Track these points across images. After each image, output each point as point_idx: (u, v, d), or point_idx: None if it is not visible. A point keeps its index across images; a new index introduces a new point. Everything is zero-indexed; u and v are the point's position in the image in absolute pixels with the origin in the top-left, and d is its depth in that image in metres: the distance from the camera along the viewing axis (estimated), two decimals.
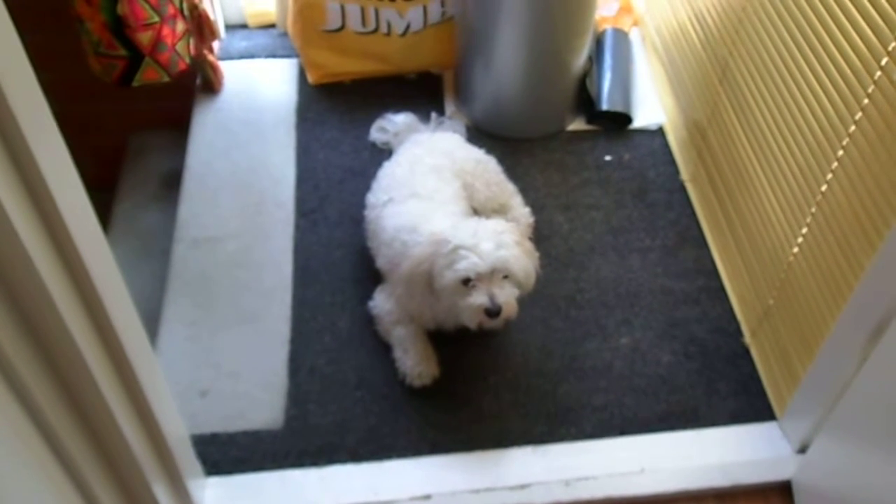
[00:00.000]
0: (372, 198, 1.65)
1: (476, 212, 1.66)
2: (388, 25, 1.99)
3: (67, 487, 0.95)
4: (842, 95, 1.22)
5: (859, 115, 1.18)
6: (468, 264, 1.33)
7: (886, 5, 1.10)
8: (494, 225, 1.40)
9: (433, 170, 1.61)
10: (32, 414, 0.86)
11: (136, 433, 1.07)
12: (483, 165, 1.72)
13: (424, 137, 1.77)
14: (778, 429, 1.48)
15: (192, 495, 1.28)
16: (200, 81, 2.05)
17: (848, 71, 1.20)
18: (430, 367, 1.50)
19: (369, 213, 1.64)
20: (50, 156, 0.79)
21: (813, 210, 1.32)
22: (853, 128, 1.20)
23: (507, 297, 1.35)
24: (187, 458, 1.27)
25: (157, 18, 1.71)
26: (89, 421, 0.98)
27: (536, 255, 1.46)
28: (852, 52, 1.19)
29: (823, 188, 1.29)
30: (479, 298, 1.34)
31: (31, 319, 0.84)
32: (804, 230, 1.35)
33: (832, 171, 1.26)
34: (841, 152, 1.23)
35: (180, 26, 1.79)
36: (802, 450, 1.42)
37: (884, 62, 1.11)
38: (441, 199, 1.56)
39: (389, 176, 1.64)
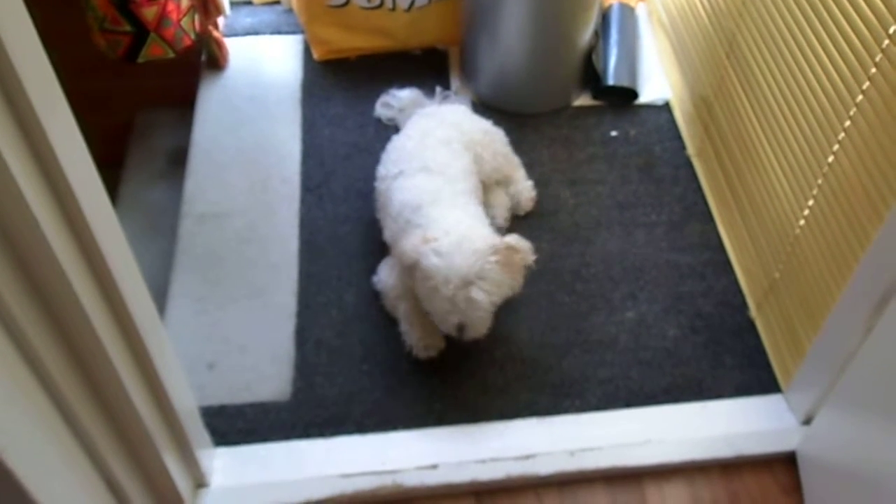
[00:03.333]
0: (382, 170, 1.64)
1: (482, 184, 1.65)
2: (393, 0, 1.98)
3: (80, 456, 0.96)
4: (849, 65, 1.21)
5: (867, 84, 1.17)
6: (440, 297, 1.35)
7: None
8: (480, 245, 1.36)
9: (443, 142, 1.60)
10: (46, 386, 0.87)
11: (147, 404, 1.09)
12: (491, 136, 1.71)
13: (433, 109, 1.76)
14: (783, 401, 1.48)
15: (201, 465, 1.30)
16: (206, 58, 2.05)
17: (855, 40, 1.19)
18: (436, 340, 1.51)
19: (380, 185, 1.63)
20: (60, 131, 0.80)
21: (819, 182, 1.32)
22: (860, 97, 1.19)
23: (475, 333, 1.40)
24: (196, 429, 1.29)
25: None
26: (102, 393, 0.99)
27: (524, 268, 1.42)
28: (860, 21, 1.18)
29: (830, 159, 1.28)
30: (451, 319, 1.38)
31: (45, 293, 0.85)
32: (810, 202, 1.35)
33: (839, 143, 1.26)
34: (848, 123, 1.23)
35: (185, 2, 1.79)
36: (807, 421, 1.43)
37: (892, 30, 1.11)
38: (451, 174, 1.55)
39: (399, 149, 1.64)
